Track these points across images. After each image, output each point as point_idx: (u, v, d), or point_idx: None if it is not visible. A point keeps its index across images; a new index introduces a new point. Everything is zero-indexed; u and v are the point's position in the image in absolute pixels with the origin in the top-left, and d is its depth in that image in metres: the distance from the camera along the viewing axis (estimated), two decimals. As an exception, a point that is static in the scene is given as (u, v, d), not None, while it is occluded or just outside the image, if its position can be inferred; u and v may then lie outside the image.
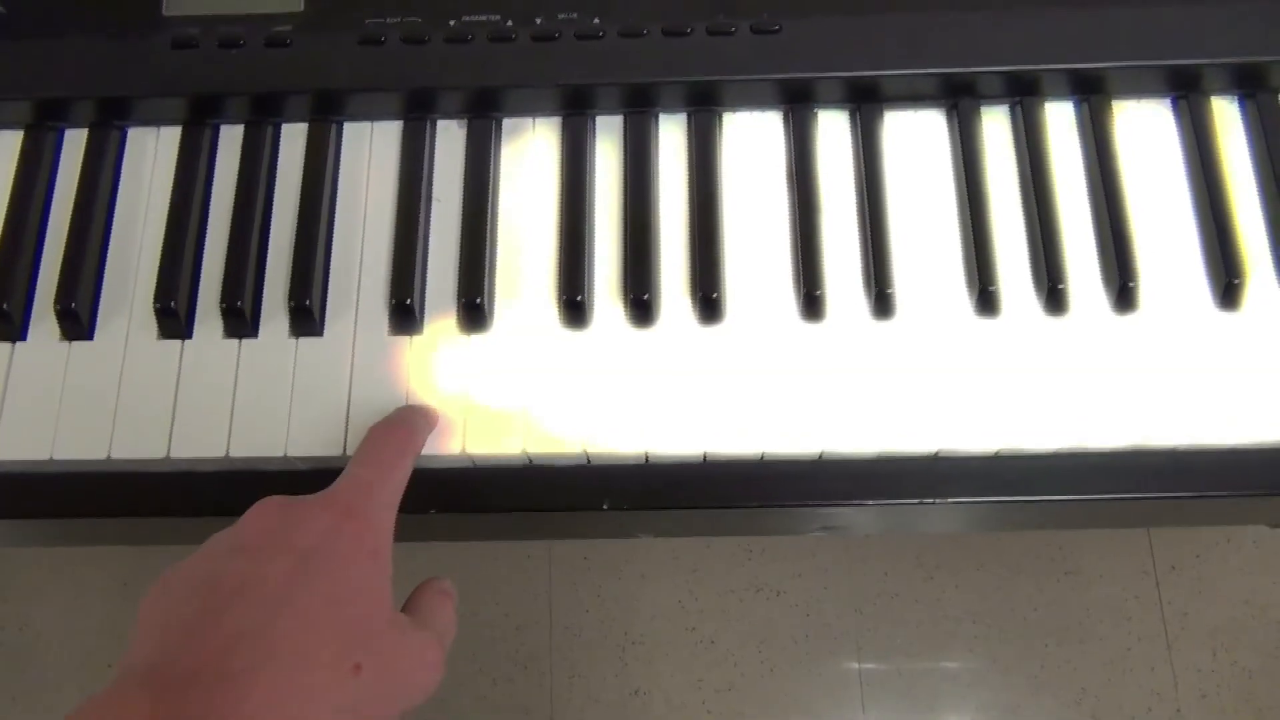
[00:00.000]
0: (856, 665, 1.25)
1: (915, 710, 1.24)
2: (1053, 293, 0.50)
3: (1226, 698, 1.23)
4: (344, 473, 0.44)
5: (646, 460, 0.50)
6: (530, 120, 0.55)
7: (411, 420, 0.48)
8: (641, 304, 0.50)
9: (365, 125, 0.55)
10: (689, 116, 0.54)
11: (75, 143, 0.55)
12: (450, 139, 0.54)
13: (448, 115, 0.55)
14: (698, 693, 1.25)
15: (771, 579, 1.29)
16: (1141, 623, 1.27)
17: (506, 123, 0.55)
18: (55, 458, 0.49)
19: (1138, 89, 0.54)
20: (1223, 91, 0.54)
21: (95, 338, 0.51)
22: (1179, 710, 1.23)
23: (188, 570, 0.41)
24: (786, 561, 1.29)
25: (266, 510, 0.42)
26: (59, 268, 0.52)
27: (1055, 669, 1.25)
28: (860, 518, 0.55)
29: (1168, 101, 0.54)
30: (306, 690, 0.37)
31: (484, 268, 0.51)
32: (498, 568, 1.28)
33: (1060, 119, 0.54)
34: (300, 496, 0.42)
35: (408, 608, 0.45)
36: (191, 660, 0.36)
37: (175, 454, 0.49)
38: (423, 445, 0.48)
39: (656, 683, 1.25)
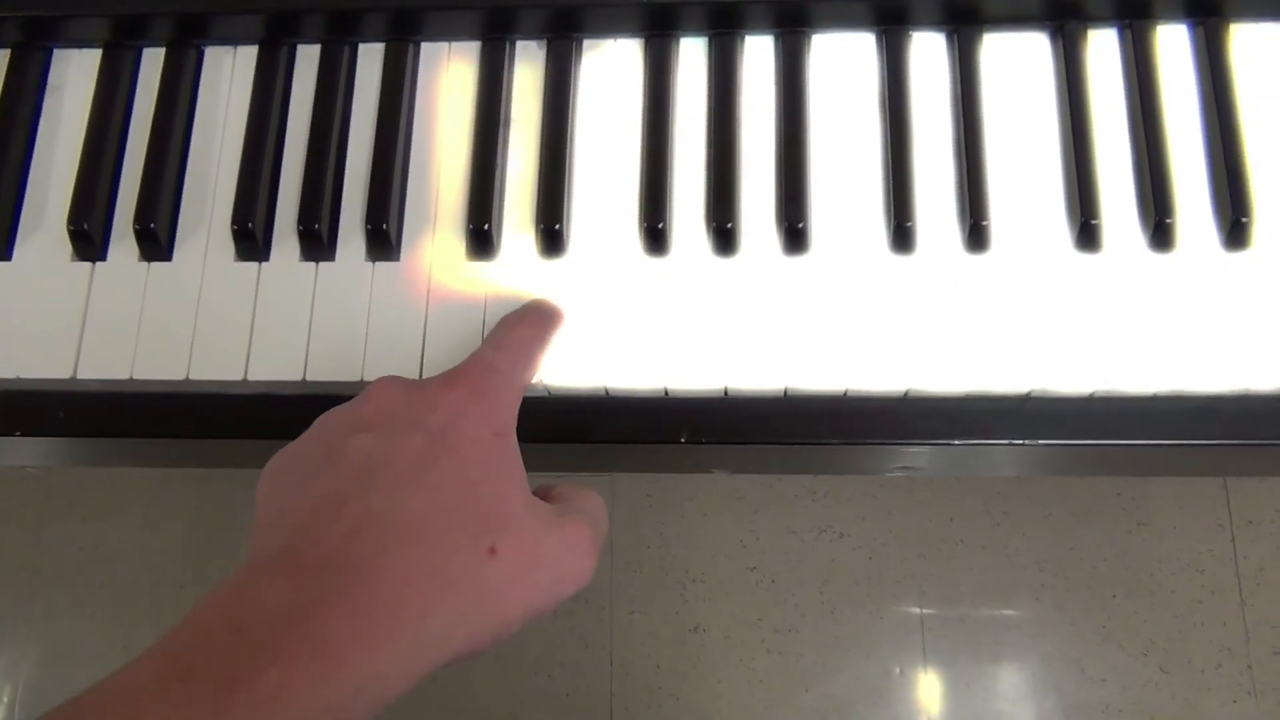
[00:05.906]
0: (919, 610, 1.24)
1: (978, 657, 1.22)
2: (1159, 228, 0.47)
3: (1301, 655, 1.20)
4: (469, 356, 0.42)
5: (726, 394, 0.48)
6: (612, 40, 0.53)
7: (542, 316, 0.47)
8: (724, 232, 0.49)
9: (443, 45, 0.53)
10: (776, 38, 0.52)
11: (153, 62, 0.54)
12: (530, 59, 0.53)
13: (527, 35, 0.53)
14: (757, 631, 1.25)
15: (835, 521, 1.27)
16: (1214, 576, 1.23)
17: (587, 43, 0.53)
18: (135, 377, 0.49)
19: (1257, 10, 0.51)
20: (1353, 14, 0.51)
21: (174, 259, 0.51)
22: (1249, 666, 1.20)
23: (305, 448, 0.39)
24: (851, 504, 1.28)
25: (388, 388, 0.40)
26: (138, 188, 0.51)
27: (1123, 620, 1.23)
28: (944, 458, 0.53)
29: (1290, 25, 0.51)
30: (441, 574, 0.35)
31: (563, 193, 0.50)
32: (560, 502, 1.28)
33: (1172, 42, 0.51)
34: (421, 379, 0.41)
35: (547, 499, 0.43)
36: (318, 548, 0.35)
37: (252, 376, 0.49)
38: (549, 344, 0.47)
39: (716, 620, 1.25)
